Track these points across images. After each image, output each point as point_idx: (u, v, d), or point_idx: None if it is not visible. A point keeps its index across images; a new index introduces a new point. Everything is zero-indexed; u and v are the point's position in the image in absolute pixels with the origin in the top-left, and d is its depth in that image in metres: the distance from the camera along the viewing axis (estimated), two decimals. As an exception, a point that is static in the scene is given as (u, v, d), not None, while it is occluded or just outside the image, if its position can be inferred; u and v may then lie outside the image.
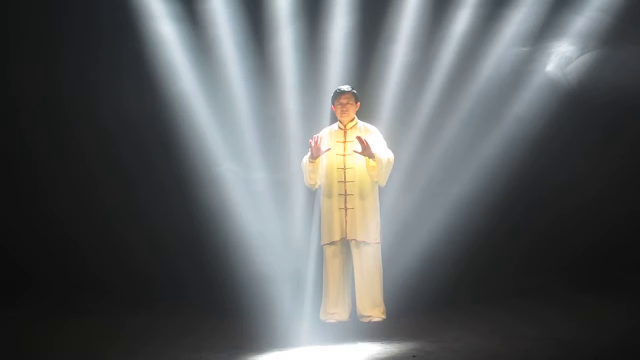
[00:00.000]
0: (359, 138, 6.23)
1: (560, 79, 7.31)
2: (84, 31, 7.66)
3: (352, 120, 6.43)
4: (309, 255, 6.76)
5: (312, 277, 6.65)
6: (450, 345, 5.47)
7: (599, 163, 7.39)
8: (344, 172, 6.38)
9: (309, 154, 6.36)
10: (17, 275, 7.61)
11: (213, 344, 5.68)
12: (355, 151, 6.27)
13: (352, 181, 6.35)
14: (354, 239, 6.31)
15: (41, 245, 7.69)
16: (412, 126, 7.29)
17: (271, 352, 5.48)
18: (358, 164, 6.35)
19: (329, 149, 6.35)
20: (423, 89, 7.34)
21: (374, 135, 6.39)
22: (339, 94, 6.42)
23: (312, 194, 6.85)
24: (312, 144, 6.28)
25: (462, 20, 7.32)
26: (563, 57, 7.32)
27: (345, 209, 6.35)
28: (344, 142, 6.39)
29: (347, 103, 6.39)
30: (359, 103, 6.48)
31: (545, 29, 7.34)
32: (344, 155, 6.39)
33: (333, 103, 6.46)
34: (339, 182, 6.37)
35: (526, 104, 7.29)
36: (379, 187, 6.45)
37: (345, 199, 6.36)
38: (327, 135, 6.45)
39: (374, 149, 6.24)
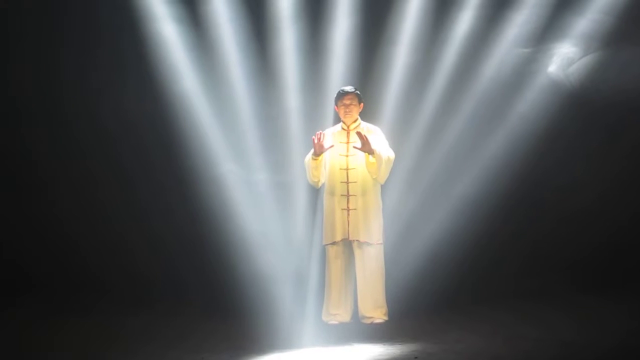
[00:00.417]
0: (358, 133, 6.23)
1: (563, 79, 7.31)
2: (85, 31, 7.65)
3: (355, 121, 6.43)
4: (311, 256, 6.77)
5: (315, 278, 6.65)
6: (452, 347, 5.47)
7: (601, 164, 7.39)
8: (347, 173, 6.37)
9: (312, 150, 6.35)
10: (17, 275, 7.59)
11: (214, 345, 5.67)
12: (355, 147, 6.27)
13: (355, 182, 6.35)
14: (357, 240, 6.31)
15: (41, 245, 7.68)
16: (414, 127, 7.27)
17: (273, 353, 5.47)
18: (361, 164, 6.34)
19: (332, 146, 6.34)
20: (425, 90, 7.33)
21: (377, 135, 6.39)
22: (342, 94, 6.42)
23: (314, 194, 6.85)
24: (315, 140, 6.27)
25: (464, 21, 7.32)
26: (565, 58, 7.32)
27: (348, 209, 6.34)
28: (347, 142, 6.38)
29: (351, 104, 6.39)
30: (362, 104, 6.47)
31: (548, 30, 7.32)
32: (346, 156, 6.39)
33: (336, 104, 6.45)
34: (341, 182, 6.37)
35: (529, 105, 7.28)
36: (381, 188, 6.45)
37: (348, 199, 6.35)
38: (330, 136, 6.43)
39: (374, 146, 6.22)
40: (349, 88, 6.46)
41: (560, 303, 6.66)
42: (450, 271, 7.00)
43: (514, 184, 7.20)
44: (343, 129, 6.46)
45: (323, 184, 6.48)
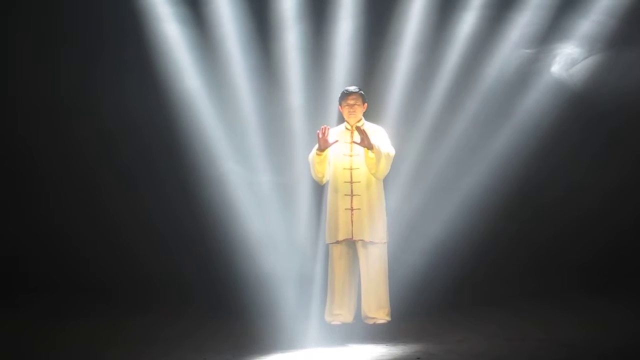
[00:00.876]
0: (357, 128, 6.23)
1: (566, 79, 7.30)
2: (87, 31, 7.66)
3: (359, 121, 6.43)
4: (315, 256, 6.76)
5: (318, 278, 6.64)
6: (455, 347, 5.46)
7: (605, 165, 7.39)
8: (351, 173, 6.37)
9: (316, 146, 6.34)
10: (20, 277, 7.60)
11: (217, 345, 5.66)
12: (354, 142, 6.27)
13: (359, 182, 6.35)
14: (362, 240, 6.30)
15: (43, 247, 7.69)
16: (418, 128, 7.29)
17: (275, 353, 5.46)
18: (365, 164, 6.34)
19: (336, 141, 6.32)
20: (429, 90, 7.34)
21: (380, 135, 6.39)
22: (346, 94, 6.42)
23: (318, 194, 6.86)
24: (320, 135, 6.27)
25: (467, 22, 7.33)
26: (569, 58, 7.32)
27: (352, 209, 6.34)
28: (351, 143, 6.38)
29: (355, 104, 6.39)
30: (366, 104, 6.47)
31: (551, 32, 7.34)
32: (350, 155, 6.39)
33: (340, 104, 6.45)
34: (345, 182, 6.37)
35: (532, 105, 7.29)
36: (385, 188, 6.44)
37: (352, 199, 6.35)
38: (334, 136, 6.42)
39: (373, 141, 6.22)
40: (353, 88, 6.46)
41: (564, 304, 6.67)
42: (453, 271, 7.01)
43: (518, 185, 7.21)
44: (347, 129, 6.45)
45: (328, 182, 6.47)
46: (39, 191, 7.74)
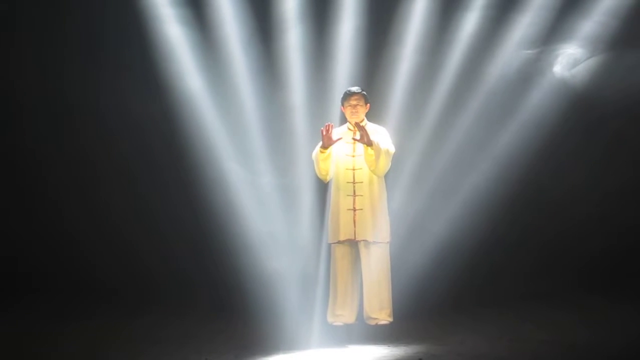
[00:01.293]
0: (356, 124, 6.23)
1: (568, 79, 7.30)
2: (89, 32, 7.67)
3: (361, 121, 6.42)
4: (316, 257, 6.75)
5: (320, 279, 6.64)
6: (456, 348, 5.45)
7: (607, 168, 7.38)
8: (353, 173, 6.36)
9: (320, 143, 6.34)
10: (23, 277, 7.61)
11: (219, 346, 5.66)
12: (354, 138, 6.26)
13: (361, 182, 6.34)
14: (364, 240, 6.30)
15: (45, 247, 7.70)
16: (420, 128, 7.29)
17: (277, 354, 5.46)
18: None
19: (340, 138, 6.31)
20: (431, 90, 7.34)
21: (381, 134, 6.38)
22: (348, 95, 6.41)
23: (321, 194, 6.85)
24: (324, 133, 6.26)
25: (469, 22, 7.33)
26: (571, 58, 7.31)
27: (354, 209, 6.33)
28: (354, 143, 6.37)
29: (357, 104, 6.38)
30: (368, 104, 6.46)
31: (553, 32, 7.34)
32: (353, 156, 6.38)
33: (342, 104, 6.44)
34: (347, 182, 6.36)
35: (535, 106, 7.29)
36: (387, 189, 6.43)
37: (354, 200, 6.34)
38: (337, 136, 6.40)
39: (372, 137, 6.21)
40: (356, 88, 6.45)
41: (567, 305, 6.66)
42: (455, 272, 7.00)
43: (521, 185, 7.21)
44: (349, 129, 6.45)
45: (331, 181, 6.47)
46: (41, 192, 7.75)
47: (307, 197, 7.18)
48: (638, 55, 7.30)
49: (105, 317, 6.65)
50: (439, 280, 6.86)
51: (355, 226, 6.31)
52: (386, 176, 6.42)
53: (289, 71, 7.37)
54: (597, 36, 7.30)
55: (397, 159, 6.45)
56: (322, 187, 6.73)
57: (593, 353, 5.26)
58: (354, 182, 6.35)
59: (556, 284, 7.18)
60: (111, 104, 7.63)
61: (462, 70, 7.35)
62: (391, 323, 6.28)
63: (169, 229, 7.49)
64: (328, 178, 6.44)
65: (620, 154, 7.45)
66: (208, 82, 7.42)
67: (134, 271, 7.48)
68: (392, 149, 6.34)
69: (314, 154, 6.43)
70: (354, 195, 6.35)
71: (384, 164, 6.28)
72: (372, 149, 6.21)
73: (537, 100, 7.30)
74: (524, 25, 7.32)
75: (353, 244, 6.36)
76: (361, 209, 6.32)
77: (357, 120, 6.38)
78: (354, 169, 6.36)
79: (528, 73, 7.38)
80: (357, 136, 6.22)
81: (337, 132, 6.45)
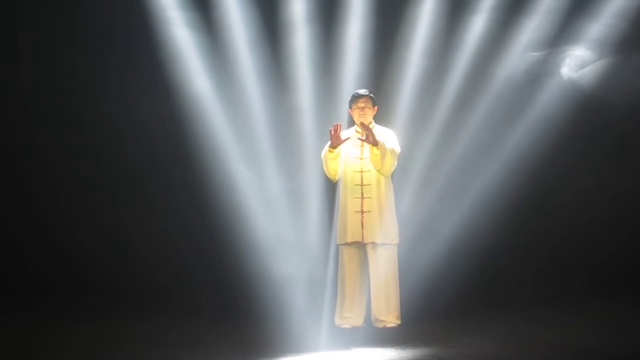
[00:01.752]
0: (362, 124, 6.23)
1: (575, 80, 7.29)
2: (97, 33, 7.69)
3: (369, 124, 6.41)
4: (326, 259, 6.74)
5: (328, 282, 6.64)
6: (464, 351, 5.43)
7: (615, 170, 7.37)
8: (361, 176, 6.36)
9: (329, 143, 6.33)
10: (30, 279, 7.62)
11: (227, 348, 5.64)
12: (359, 138, 6.26)
13: (369, 184, 6.34)
14: (372, 242, 6.29)
15: (52, 249, 7.72)
16: (428, 130, 7.29)
17: (285, 357, 5.44)
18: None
19: (348, 138, 6.33)
20: (439, 93, 7.34)
21: (388, 136, 6.37)
22: (356, 97, 6.41)
23: (329, 197, 6.85)
24: (332, 132, 6.26)
25: (477, 25, 7.32)
26: (579, 59, 7.30)
27: (362, 212, 6.33)
28: (362, 145, 6.37)
29: (365, 107, 6.38)
30: (376, 107, 6.46)
31: (561, 35, 7.33)
32: (361, 158, 6.39)
33: (350, 107, 6.45)
34: (356, 185, 6.36)
35: (543, 108, 7.28)
36: (395, 191, 6.43)
37: (362, 202, 6.34)
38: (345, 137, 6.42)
39: (378, 137, 6.21)
40: (363, 91, 6.45)
41: (575, 307, 6.65)
42: (463, 274, 7.00)
43: (529, 188, 7.20)
44: (357, 131, 6.45)
45: (339, 182, 6.46)
46: (48, 192, 7.76)
47: (315, 199, 7.18)
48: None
49: (112, 319, 6.65)
50: (446, 283, 6.86)
51: (363, 228, 6.31)
52: (394, 178, 6.42)
53: (296, 73, 7.38)
54: (605, 38, 7.29)
55: (405, 161, 6.45)
56: (330, 190, 6.74)
57: (600, 356, 5.24)
58: (361, 185, 6.35)
59: (564, 286, 7.17)
60: (118, 105, 7.64)
61: (469, 72, 7.35)
62: (399, 326, 6.28)
63: (176, 232, 7.49)
64: (337, 178, 6.45)
65: (628, 156, 7.44)
66: (215, 84, 7.43)
67: (141, 273, 7.48)
68: (398, 149, 6.34)
69: (322, 153, 6.44)
70: (362, 197, 6.35)
71: (390, 164, 6.28)
72: (378, 148, 6.21)
73: (545, 102, 7.29)
74: (532, 27, 7.32)
75: (361, 247, 6.36)
76: (369, 211, 6.32)
77: (365, 123, 6.37)
78: (361, 171, 6.37)
79: (535, 75, 7.38)
80: (363, 136, 6.22)
81: (345, 134, 6.46)
